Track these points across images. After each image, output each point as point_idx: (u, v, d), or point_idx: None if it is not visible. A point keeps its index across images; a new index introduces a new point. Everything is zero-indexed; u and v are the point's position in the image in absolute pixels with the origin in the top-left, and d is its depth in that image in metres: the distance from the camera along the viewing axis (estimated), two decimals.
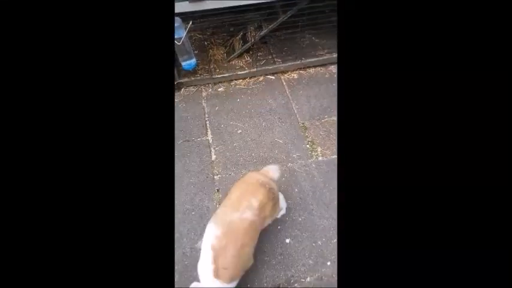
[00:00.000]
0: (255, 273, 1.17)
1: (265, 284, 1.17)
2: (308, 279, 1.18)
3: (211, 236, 1.03)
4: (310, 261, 1.22)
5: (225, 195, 1.18)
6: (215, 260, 1.00)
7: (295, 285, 1.17)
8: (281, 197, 1.25)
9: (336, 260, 1.22)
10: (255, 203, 1.08)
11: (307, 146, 1.63)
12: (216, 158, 1.60)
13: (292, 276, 1.19)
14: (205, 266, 1.01)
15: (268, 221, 1.18)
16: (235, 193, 1.13)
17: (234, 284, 1.03)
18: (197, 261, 1.06)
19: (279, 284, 1.17)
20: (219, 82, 1.99)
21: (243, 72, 2.00)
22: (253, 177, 1.17)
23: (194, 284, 1.02)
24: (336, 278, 1.17)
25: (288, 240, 1.28)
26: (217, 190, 1.47)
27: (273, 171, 1.24)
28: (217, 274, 0.99)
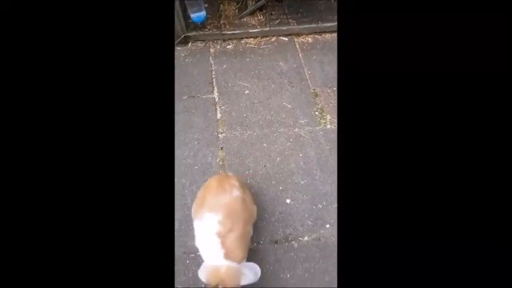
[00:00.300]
0: (254, 228, 1.25)
1: (263, 239, 1.27)
2: (306, 238, 1.28)
3: (213, 223, 1.05)
4: (309, 222, 1.31)
5: (203, 188, 1.20)
6: (223, 245, 1.02)
7: (293, 242, 1.27)
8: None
9: (335, 223, 1.31)
10: (235, 182, 1.14)
11: (316, 113, 1.68)
12: (222, 117, 1.65)
13: (291, 234, 1.29)
14: (214, 254, 1.03)
15: (254, 210, 1.20)
16: (212, 183, 1.15)
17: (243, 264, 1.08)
18: None
19: (277, 240, 1.27)
20: (229, 39, 2.00)
21: (254, 30, 2.00)
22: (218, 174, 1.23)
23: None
24: (333, 240, 1.27)
25: (288, 201, 1.37)
26: (221, 148, 1.54)
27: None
28: (227, 256, 1.02)
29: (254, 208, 1.20)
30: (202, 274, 1.02)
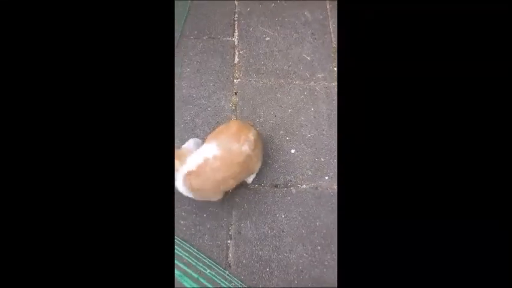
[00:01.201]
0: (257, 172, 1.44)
1: (264, 182, 1.46)
2: (304, 186, 1.46)
3: (209, 151, 1.23)
4: (310, 172, 1.48)
5: (219, 128, 1.35)
6: (198, 167, 1.21)
7: (291, 188, 1.45)
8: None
9: (334, 176, 1.48)
10: (252, 137, 1.28)
11: (335, 68, 1.77)
12: (239, 62, 1.77)
13: (290, 181, 1.47)
14: (188, 162, 1.23)
15: (256, 166, 1.38)
16: (233, 127, 1.30)
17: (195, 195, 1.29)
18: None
19: (277, 185, 1.45)
20: None
21: None
22: (242, 120, 1.40)
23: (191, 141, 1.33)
24: (329, 191, 1.44)
25: (293, 151, 1.53)
26: (235, 93, 1.68)
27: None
28: (191, 176, 1.21)
29: (257, 165, 1.37)
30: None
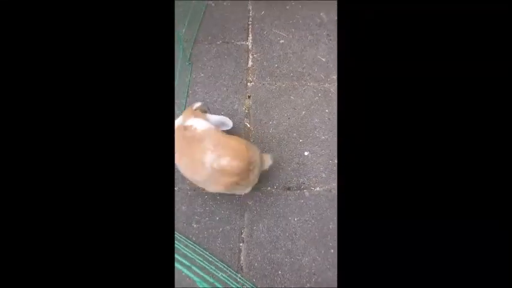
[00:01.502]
0: (269, 174, 1.45)
1: (277, 184, 1.47)
2: (317, 188, 1.46)
3: (197, 125, 1.27)
4: (323, 175, 1.48)
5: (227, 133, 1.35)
6: (186, 127, 1.28)
7: (305, 191, 1.45)
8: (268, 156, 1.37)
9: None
10: (223, 162, 1.16)
11: None
12: (253, 65, 1.79)
13: (304, 183, 1.47)
14: (190, 121, 1.30)
15: (209, 187, 1.29)
16: (230, 139, 1.25)
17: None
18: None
19: (290, 187, 1.46)
20: None
21: None
22: (251, 148, 1.26)
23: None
24: None
25: (306, 153, 1.53)
26: (249, 97, 1.70)
27: (268, 158, 1.34)
28: (179, 131, 1.28)
29: (210, 187, 1.29)
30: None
